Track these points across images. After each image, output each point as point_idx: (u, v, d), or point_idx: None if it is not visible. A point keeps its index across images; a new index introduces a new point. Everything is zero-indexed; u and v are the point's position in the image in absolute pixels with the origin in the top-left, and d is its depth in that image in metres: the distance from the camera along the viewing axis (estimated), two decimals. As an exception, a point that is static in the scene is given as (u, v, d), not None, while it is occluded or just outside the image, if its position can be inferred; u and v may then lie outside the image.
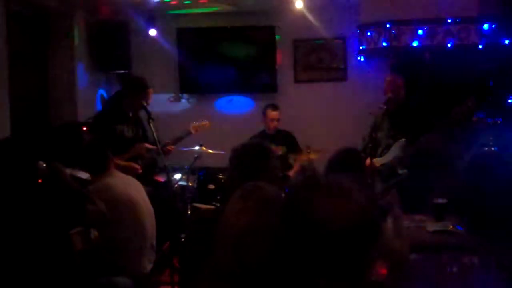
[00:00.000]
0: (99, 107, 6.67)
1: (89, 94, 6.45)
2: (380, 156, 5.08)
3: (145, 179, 4.69)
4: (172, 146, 5.01)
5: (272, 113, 5.81)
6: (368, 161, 4.38)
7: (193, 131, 5.22)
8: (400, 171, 4.91)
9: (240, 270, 1.53)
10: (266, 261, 1.48)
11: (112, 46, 6.53)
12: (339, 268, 1.39)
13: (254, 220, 1.57)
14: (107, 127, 4.68)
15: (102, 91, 6.76)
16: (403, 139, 5.02)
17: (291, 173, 5.67)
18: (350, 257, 1.38)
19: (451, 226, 3.58)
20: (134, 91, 4.73)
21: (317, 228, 1.36)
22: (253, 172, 2.52)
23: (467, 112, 4.82)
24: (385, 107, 4.83)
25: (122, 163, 4.54)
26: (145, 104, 4.71)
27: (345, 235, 1.36)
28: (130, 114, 4.83)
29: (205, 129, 5.35)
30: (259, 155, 2.61)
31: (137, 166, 4.64)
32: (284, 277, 1.40)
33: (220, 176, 5.61)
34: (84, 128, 5.80)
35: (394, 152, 5.06)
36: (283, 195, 1.61)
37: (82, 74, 6.30)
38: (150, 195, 4.13)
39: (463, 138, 5.24)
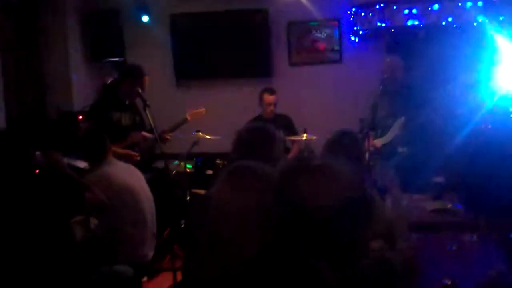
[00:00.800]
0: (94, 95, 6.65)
1: (84, 83, 6.42)
2: (380, 136, 5.10)
3: (144, 166, 4.68)
4: (170, 134, 5.01)
5: (269, 98, 5.79)
6: (368, 142, 4.39)
7: (189, 118, 5.22)
8: (400, 150, 4.94)
9: (235, 252, 1.52)
10: (260, 241, 1.48)
11: (105, 34, 6.50)
12: (330, 248, 1.40)
13: (247, 201, 1.56)
14: (104, 115, 4.67)
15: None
16: (402, 118, 5.04)
17: (290, 156, 5.67)
18: (341, 237, 1.40)
19: (450, 205, 3.61)
20: (131, 78, 4.71)
21: (306, 208, 1.38)
22: (258, 155, 2.51)
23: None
24: (381, 87, 4.82)
25: (120, 151, 4.54)
26: (142, 91, 4.70)
27: (334, 215, 1.38)
28: (127, 102, 4.82)
29: (201, 115, 5.35)
30: (264, 138, 2.60)
31: (135, 154, 4.63)
32: (279, 259, 1.41)
33: (218, 162, 5.61)
34: (80, 117, 5.80)
35: (394, 131, 5.08)
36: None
37: (75, 62, 6.27)
38: (149, 182, 4.13)
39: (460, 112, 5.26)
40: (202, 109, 5.39)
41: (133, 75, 4.75)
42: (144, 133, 4.75)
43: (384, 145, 5.04)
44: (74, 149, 4.28)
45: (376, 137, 5.02)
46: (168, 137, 4.98)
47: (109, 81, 6.31)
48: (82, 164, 4.32)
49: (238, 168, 1.71)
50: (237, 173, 1.68)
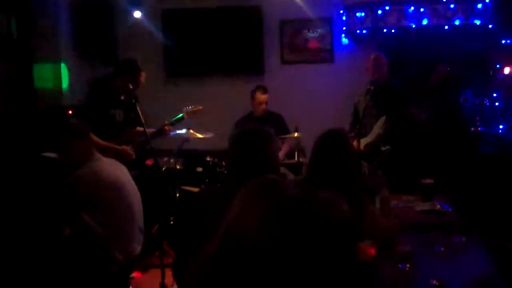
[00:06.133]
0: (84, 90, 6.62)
1: (74, 77, 6.38)
2: (364, 136, 5.10)
3: (135, 162, 4.67)
4: (170, 127, 5.01)
5: (262, 97, 5.78)
6: (355, 143, 4.38)
7: (185, 116, 5.18)
8: (383, 148, 4.95)
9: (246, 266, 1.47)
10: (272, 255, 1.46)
11: (97, 29, 6.46)
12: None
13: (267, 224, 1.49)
14: (99, 111, 4.64)
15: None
16: (384, 117, 5.05)
17: (280, 154, 5.67)
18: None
19: (439, 206, 3.62)
20: (127, 74, 4.68)
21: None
22: (254, 158, 2.50)
23: (440, 78, 4.84)
24: (372, 87, 4.83)
25: (116, 148, 4.52)
26: (137, 87, 4.68)
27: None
28: (122, 97, 4.78)
29: (197, 114, 5.30)
30: (261, 140, 2.58)
31: (131, 152, 4.60)
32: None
33: (208, 159, 5.60)
34: (70, 112, 5.76)
35: (376, 130, 5.09)
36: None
37: (66, 57, 6.23)
38: (138, 179, 4.11)
39: (449, 114, 5.28)
40: (200, 107, 5.34)
41: (129, 71, 4.72)
42: (139, 128, 4.72)
43: (367, 145, 5.05)
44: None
45: (363, 136, 5.01)
46: (168, 128, 4.97)
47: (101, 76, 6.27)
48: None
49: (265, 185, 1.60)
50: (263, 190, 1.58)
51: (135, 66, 4.77)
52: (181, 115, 5.17)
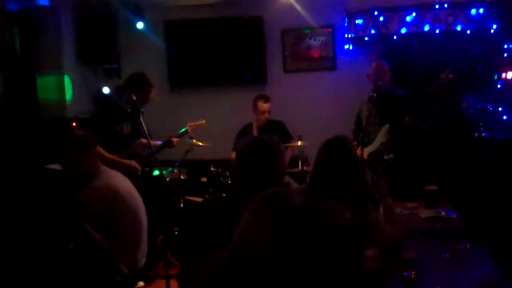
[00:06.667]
0: (88, 102, 6.63)
1: (78, 89, 6.40)
2: (368, 144, 5.09)
3: (142, 174, 4.68)
4: (177, 139, 5.04)
5: (264, 106, 5.79)
6: (359, 151, 4.38)
7: (189, 130, 5.25)
8: (386, 157, 4.94)
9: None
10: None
11: (100, 39, 6.49)
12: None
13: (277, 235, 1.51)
14: (108, 124, 4.64)
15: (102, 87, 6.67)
16: (387, 125, 5.04)
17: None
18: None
19: (444, 213, 3.61)
20: (138, 88, 4.69)
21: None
22: (264, 170, 2.50)
23: (443, 86, 4.83)
24: (375, 95, 4.83)
25: (122, 161, 4.52)
26: (146, 101, 4.72)
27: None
28: (129, 110, 4.77)
29: (201, 127, 5.36)
30: (271, 152, 2.56)
31: (138, 167, 4.60)
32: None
33: (212, 169, 5.60)
34: (74, 124, 5.77)
35: (379, 139, 5.08)
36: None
37: (69, 68, 6.25)
38: (143, 189, 4.12)
39: (452, 121, 5.27)
40: (203, 121, 5.40)
41: (140, 85, 4.73)
42: (143, 140, 4.71)
43: (370, 154, 5.04)
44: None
45: (366, 145, 4.99)
46: (175, 140, 5.00)
47: (108, 89, 6.28)
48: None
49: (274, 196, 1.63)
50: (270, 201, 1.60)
51: (146, 81, 4.78)
52: (185, 128, 5.21)
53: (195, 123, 5.33)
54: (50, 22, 6.06)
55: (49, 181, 2.99)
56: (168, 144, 5.01)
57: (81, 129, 5.16)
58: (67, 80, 6.16)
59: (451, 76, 4.72)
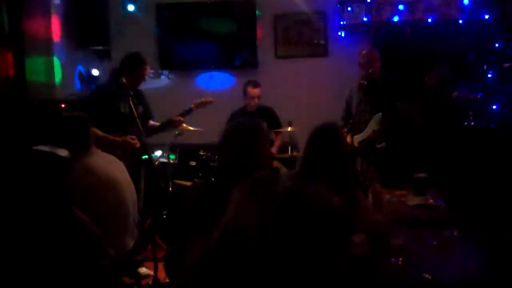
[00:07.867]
0: (77, 84, 6.59)
1: (67, 71, 6.34)
2: (359, 132, 5.09)
3: (141, 153, 4.61)
4: (182, 118, 5.02)
5: (253, 91, 5.77)
6: (349, 139, 4.38)
7: (194, 108, 5.12)
8: (378, 145, 4.95)
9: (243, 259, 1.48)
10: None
11: (91, 21, 6.43)
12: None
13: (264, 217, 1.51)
14: (104, 105, 4.61)
15: (80, 68, 6.66)
16: (380, 113, 5.04)
17: (273, 149, 5.67)
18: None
19: (431, 200, 3.63)
20: (132, 67, 4.68)
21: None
22: (243, 154, 2.50)
23: (440, 78, 4.84)
24: (366, 83, 4.82)
25: (115, 138, 4.50)
26: (142, 80, 4.69)
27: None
28: (131, 92, 4.73)
29: (206, 105, 5.20)
30: (249, 135, 2.57)
31: (132, 141, 4.53)
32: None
33: (201, 153, 5.59)
34: (63, 106, 5.73)
35: (371, 127, 5.09)
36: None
37: (59, 50, 6.19)
38: (133, 170, 4.10)
39: (442, 110, 5.29)
40: (209, 99, 5.21)
41: (135, 63, 4.71)
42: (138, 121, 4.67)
43: (362, 141, 5.04)
44: (56, 137, 4.21)
45: (356, 132, 4.98)
46: (181, 120, 4.98)
47: (97, 71, 6.24)
48: (63, 152, 4.26)
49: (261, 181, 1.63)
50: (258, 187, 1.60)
51: (139, 59, 4.76)
52: (188, 108, 5.11)
53: (201, 101, 5.17)
54: (40, 3, 5.99)
55: (36, 162, 2.96)
56: (171, 123, 4.98)
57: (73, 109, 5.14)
58: (56, 62, 6.10)
59: (448, 69, 4.74)
